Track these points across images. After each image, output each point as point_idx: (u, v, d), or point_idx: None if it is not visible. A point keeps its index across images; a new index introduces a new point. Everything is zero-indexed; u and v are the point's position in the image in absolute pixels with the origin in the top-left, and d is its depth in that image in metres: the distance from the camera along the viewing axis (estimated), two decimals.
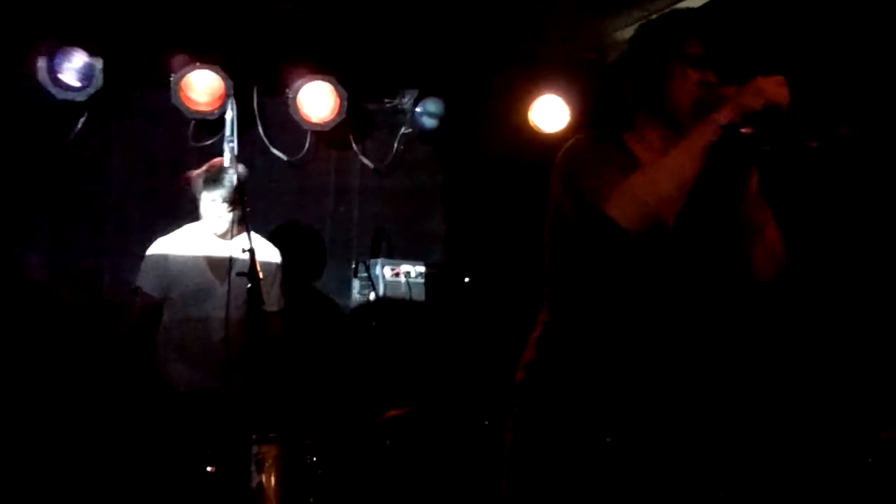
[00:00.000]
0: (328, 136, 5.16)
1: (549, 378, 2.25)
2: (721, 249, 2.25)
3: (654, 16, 4.56)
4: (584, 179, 2.15)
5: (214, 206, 4.25)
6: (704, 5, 4.46)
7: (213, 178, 4.24)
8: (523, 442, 2.25)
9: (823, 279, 3.35)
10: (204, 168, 4.33)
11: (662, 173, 2.07)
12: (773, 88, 2.03)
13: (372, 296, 5.00)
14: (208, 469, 3.70)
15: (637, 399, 2.20)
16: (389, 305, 4.96)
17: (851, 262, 3.44)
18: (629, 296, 2.21)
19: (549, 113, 5.30)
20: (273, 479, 3.78)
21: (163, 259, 4.29)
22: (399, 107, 5.32)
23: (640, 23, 4.83)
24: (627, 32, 5.11)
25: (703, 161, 2.05)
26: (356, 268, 5.08)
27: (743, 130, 2.07)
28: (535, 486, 2.21)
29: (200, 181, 4.30)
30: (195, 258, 4.30)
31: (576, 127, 5.20)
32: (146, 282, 4.28)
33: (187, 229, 4.40)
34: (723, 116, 2.04)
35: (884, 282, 3.35)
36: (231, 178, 4.06)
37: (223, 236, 4.31)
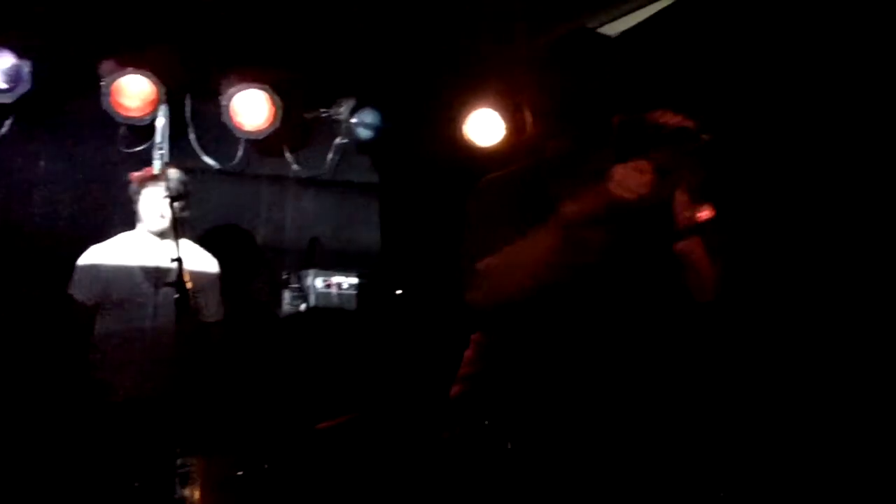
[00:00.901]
0: (262, 144, 5.13)
1: (482, 393, 2.27)
2: (653, 271, 2.28)
3: None
4: (464, 249, 2.25)
5: (154, 202, 4.18)
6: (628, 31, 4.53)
7: (157, 175, 4.16)
8: (457, 454, 2.26)
9: (755, 297, 3.41)
10: (146, 169, 4.22)
11: (513, 267, 2.15)
12: (632, 179, 2.02)
13: (303, 307, 4.97)
14: (131, 481, 3.65)
15: (566, 413, 2.22)
16: (321, 316, 4.92)
17: (784, 278, 3.52)
18: (557, 316, 2.24)
19: (485, 126, 5.32)
20: (199, 492, 3.74)
21: (94, 268, 4.19)
22: (335, 116, 5.30)
23: None
24: None
25: (554, 255, 2.11)
26: (288, 278, 5.04)
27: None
28: (468, 499, 2.21)
29: (141, 180, 4.24)
30: (129, 267, 4.22)
31: (511, 141, 5.23)
32: (78, 290, 4.18)
33: (122, 238, 4.32)
34: (569, 211, 2.09)
35: (815, 291, 3.42)
36: (173, 176, 4.03)
37: (162, 236, 4.22)
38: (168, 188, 4.10)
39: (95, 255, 4.24)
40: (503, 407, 2.23)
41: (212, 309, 4.34)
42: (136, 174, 4.29)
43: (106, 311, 4.18)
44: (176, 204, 3.84)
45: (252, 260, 5.27)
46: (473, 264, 2.17)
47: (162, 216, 4.19)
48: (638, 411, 2.26)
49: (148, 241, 4.26)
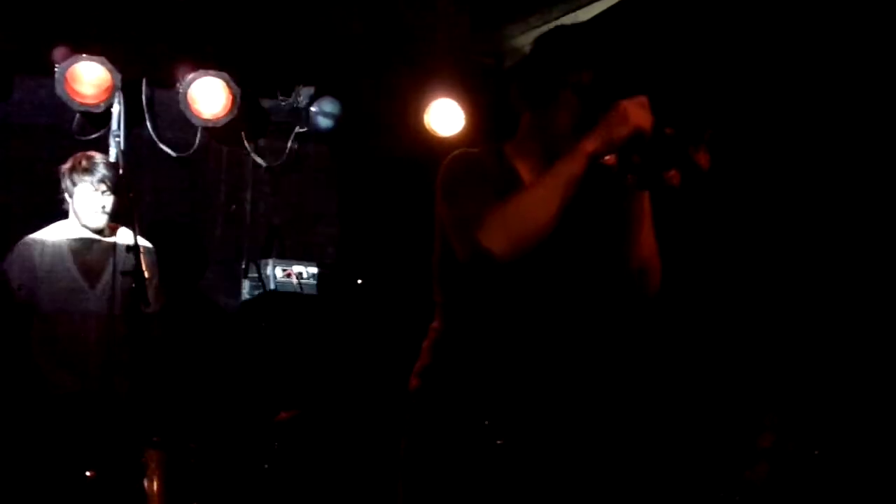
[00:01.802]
0: (220, 132, 5.07)
1: (441, 384, 2.26)
2: (601, 263, 2.29)
3: (551, 24, 4.68)
4: (458, 206, 2.18)
5: (88, 196, 4.05)
6: (593, 18, 4.55)
7: (85, 168, 4.04)
8: (417, 447, 2.25)
9: (704, 291, 3.45)
10: (72, 159, 4.12)
11: (531, 204, 2.10)
12: (637, 112, 2.06)
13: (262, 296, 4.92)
14: (87, 474, 3.60)
15: (524, 403, 2.23)
16: (280, 306, 4.89)
17: (732, 275, 3.56)
18: (513, 305, 2.24)
19: (445, 117, 5.32)
20: (155, 484, 3.71)
21: (29, 256, 4.05)
22: (294, 105, 5.25)
23: (535, 30, 4.92)
24: (524, 39, 5.20)
25: (574, 188, 2.09)
26: (246, 268, 5.00)
27: (606, 159, 2.10)
28: (428, 491, 2.21)
29: (69, 172, 4.08)
30: (63, 257, 4.07)
31: (471, 131, 5.23)
32: (11, 270, 4.05)
33: (58, 226, 4.16)
34: (590, 145, 2.08)
35: (764, 291, 3.47)
36: (109, 167, 3.92)
37: (98, 231, 4.11)
38: (93, 185, 4.01)
39: (32, 243, 4.08)
40: (461, 400, 2.22)
41: (151, 296, 4.23)
42: (64, 165, 4.12)
43: (43, 300, 4.03)
44: (113, 196, 3.75)
45: (210, 249, 5.21)
46: (475, 218, 2.09)
47: (95, 210, 4.06)
48: (599, 400, 2.27)
49: (85, 232, 4.14)
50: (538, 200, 2.10)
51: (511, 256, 2.08)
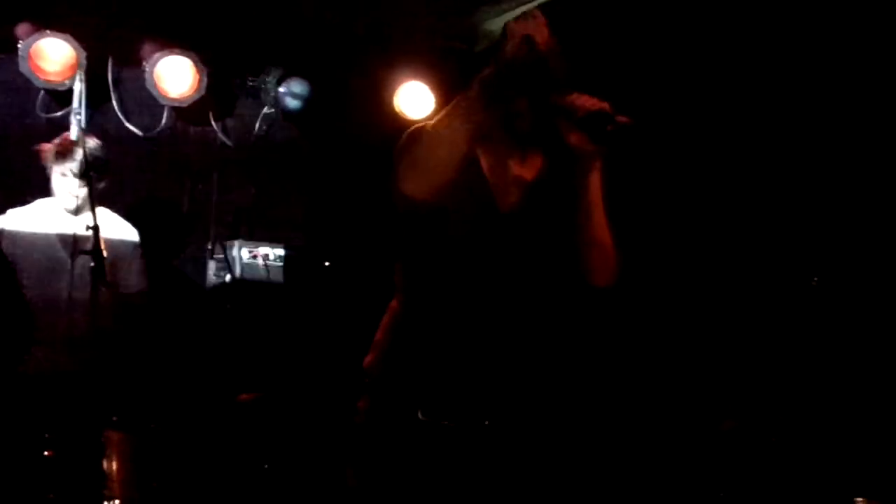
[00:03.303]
0: (187, 112, 5.03)
1: (394, 365, 2.27)
2: (555, 251, 2.30)
3: (523, 7, 4.67)
4: (413, 179, 2.18)
5: (65, 180, 4.08)
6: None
7: (64, 152, 4.07)
8: (371, 426, 2.26)
9: (663, 279, 3.47)
10: (56, 141, 4.15)
11: (435, 139, 2.13)
12: (524, 24, 2.08)
13: (228, 278, 4.90)
14: (46, 453, 3.58)
15: (476, 385, 2.23)
16: (246, 288, 4.87)
17: (689, 264, 3.59)
18: (468, 287, 2.24)
19: (415, 100, 5.30)
20: (115, 465, 3.69)
21: (10, 233, 4.09)
22: (262, 86, 5.22)
23: (507, 14, 4.92)
24: (496, 23, 5.19)
25: (473, 119, 2.09)
26: (213, 249, 4.97)
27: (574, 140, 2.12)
28: (378, 472, 2.22)
29: (51, 155, 4.12)
30: (45, 235, 4.11)
31: (453, 113, 5.21)
32: None
33: (38, 204, 4.21)
34: (484, 71, 2.08)
35: (723, 280, 3.50)
36: (82, 153, 3.90)
37: (74, 213, 4.13)
38: (73, 170, 4.01)
39: (11, 220, 4.14)
40: (415, 378, 2.23)
41: (132, 279, 4.25)
42: (42, 146, 4.16)
43: (21, 279, 4.07)
44: (87, 178, 3.74)
45: (176, 230, 5.18)
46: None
47: (74, 195, 4.09)
48: (553, 383, 2.28)
49: (64, 211, 4.17)
50: (442, 136, 2.11)
51: (424, 194, 2.11)
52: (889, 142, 3.33)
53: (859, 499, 2.91)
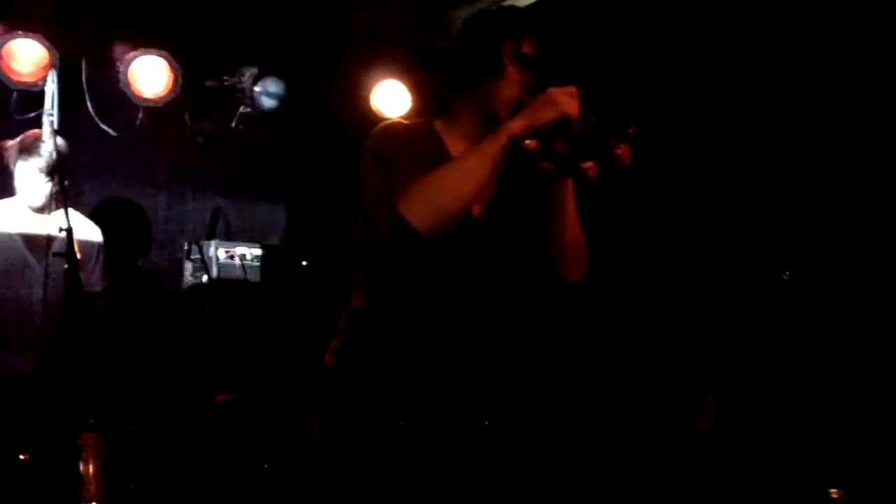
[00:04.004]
0: (162, 112, 4.99)
1: (354, 363, 2.26)
2: (526, 247, 2.30)
3: (500, 4, 4.67)
4: (384, 176, 2.16)
5: (30, 177, 4.04)
6: (538, 2, 4.54)
7: (28, 148, 4.04)
8: (330, 426, 2.25)
9: (636, 275, 3.49)
10: (19, 138, 4.12)
11: (452, 178, 2.09)
12: (565, 99, 2.05)
13: (205, 278, 4.88)
14: (22, 457, 3.55)
15: (435, 385, 2.23)
16: (223, 288, 4.85)
17: (664, 261, 3.60)
18: (431, 283, 2.24)
19: (392, 98, 5.30)
20: (92, 467, 3.67)
21: None
22: (238, 85, 5.19)
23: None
24: None
25: (495, 166, 2.07)
26: (189, 249, 4.94)
27: (528, 142, 2.09)
28: (341, 470, 2.21)
29: (14, 151, 4.08)
30: (10, 235, 4.07)
31: (418, 113, 5.21)
32: None
33: (2, 204, 4.17)
34: (514, 124, 2.07)
35: (696, 274, 3.52)
36: (48, 148, 3.87)
37: (40, 210, 4.08)
38: (38, 166, 3.99)
39: None
40: (374, 380, 2.22)
41: (95, 278, 4.23)
42: (4, 143, 4.14)
43: None
44: (55, 177, 3.71)
45: (152, 230, 5.15)
46: (398, 189, 2.09)
47: (35, 189, 4.05)
48: (516, 381, 2.28)
49: (30, 211, 4.13)
50: (459, 175, 2.08)
51: (430, 229, 2.07)
52: (859, 138, 3.36)
53: (834, 490, 2.94)
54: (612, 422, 3.46)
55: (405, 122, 2.38)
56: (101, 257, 4.27)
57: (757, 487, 3.12)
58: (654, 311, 3.60)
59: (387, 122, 2.34)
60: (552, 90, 2.07)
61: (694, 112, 3.60)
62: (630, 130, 2.02)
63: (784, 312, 3.22)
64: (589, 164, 2.05)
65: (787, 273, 3.13)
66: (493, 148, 2.07)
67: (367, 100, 5.27)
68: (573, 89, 2.07)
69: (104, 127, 4.96)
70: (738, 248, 3.46)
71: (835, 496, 2.96)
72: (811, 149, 3.44)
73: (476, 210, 2.11)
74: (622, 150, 2.02)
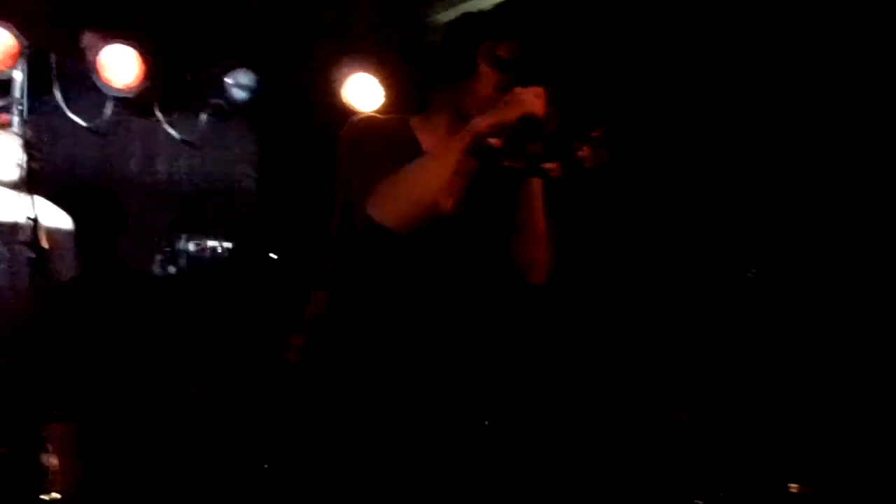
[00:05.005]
0: (132, 102, 4.96)
1: (321, 360, 2.26)
2: (491, 247, 2.31)
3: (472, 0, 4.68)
4: (357, 172, 2.17)
5: (9, 150, 3.97)
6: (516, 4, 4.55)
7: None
8: (302, 425, 2.25)
9: (601, 273, 3.52)
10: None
11: (417, 176, 2.10)
12: (531, 99, 2.06)
13: (174, 270, 4.86)
14: None
15: (401, 385, 2.23)
16: (192, 281, 4.83)
17: (628, 257, 3.63)
18: (398, 284, 2.25)
19: (364, 92, 5.28)
20: (58, 460, 3.65)
21: None
22: (209, 76, 5.16)
23: (458, 6, 4.92)
24: (446, 16, 5.19)
25: (461, 165, 2.08)
26: (159, 241, 4.92)
27: (492, 141, 2.10)
28: (314, 469, 2.22)
29: None
30: None
31: (391, 107, 5.20)
32: None
33: None
34: (479, 123, 2.08)
35: (661, 272, 3.55)
36: (15, 137, 3.86)
37: (15, 187, 4.02)
38: (23, 136, 3.95)
39: None
40: (340, 377, 2.23)
41: (65, 267, 4.19)
42: None
43: None
44: (31, 154, 3.69)
45: (121, 222, 5.11)
46: (369, 188, 2.10)
47: (17, 165, 4.02)
48: (478, 383, 2.29)
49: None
50: (424, 174, 2.10)
51: (402, 228, 2.08)
52: (822, 135, 3.40)
53: (793, 485, 2.97)
54: (580, 420, 3.49)
55: (378, 117, 2.39)
56: (71, 245, 4.25)
57: (720, 482, 3.16)
58: (621, 310, 3.63)
59: (362, 116, 2.35)
60: (518, 89, 2.08)
61: (659, 113, 3.63)
62: (594, 133, 2.04)
63: (749, 309, 3.26)
64: (552, 165, 2.06)
65: (753, 271, 3.17)
66: (457, 146, 2.08)
67: (338, 93, 5.25)
68: (539, 89, 2.09)
69: (73, 116, 4.93)
70: (703, 246, 3.50)
71: (794, 491, 3.01)
72: (774, 147, 3.48)
73: (446, 206, 2.12)
74: (584, 153, 2.03)
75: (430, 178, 2.08)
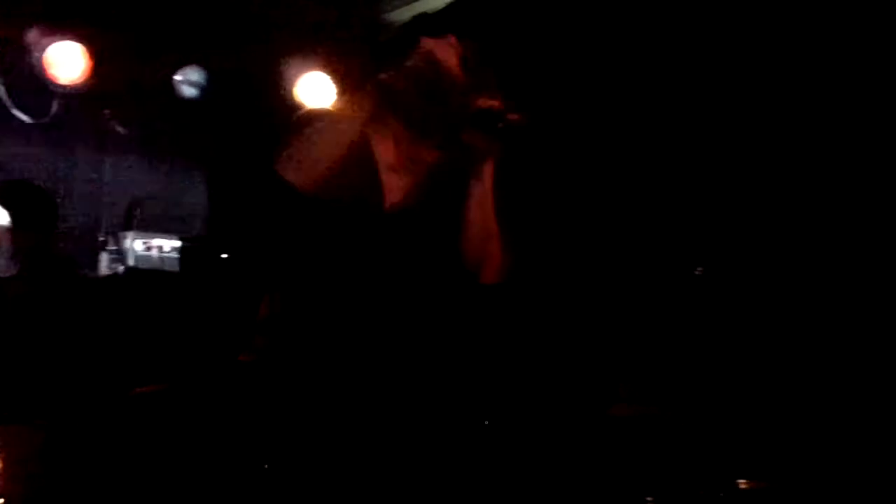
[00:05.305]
0: (79, 99, 4.89)
1: (270, 360, 2.25)
2: (442, 248, 2.31)
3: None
4: (304, 164, 2.17)
5: None
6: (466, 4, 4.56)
7: None
8: (253, 419, 2.24)
9: (550, 273, 3.53)
10: None
11: (324, 133, 2.13)
12: (443, 47, 2.07)
13: (121, 269, 4.79)
14: None
15: (348, 385, 2.23)
16: (140, 280, 4.76)
17: (576, 256, 3.66)
18: (346, 281, 2.24)
19: (316, 90, 5.26)
20: (2, 463, 3.58)
21: None
22: (158, 73, 5.10)
23: (412, 5, 4.91)
24: (399, 14, 5.18)
25: (363, 119, 2.11)
26: (105, 240, 4.85)
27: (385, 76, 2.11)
28: (267, 465, 2.20)
29: None
30: None
31: (343, 105, 5.18)
32: None
33: None
34: (385, 75, 2.09)
35: (609, 271, 3.57)
36: None
37: None
38: None
39: None
40: (289, 377, 2.22)
41: (2, 263, 4.12)
42: None
43: None
44: None
45: (67, 220, 5.03)
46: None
47: None
48: (428, 383, 2.28)
49: None
50: (330, 130, 2.12)
51: (301, 184, 2.10)
52: (768, 132, 3.44)
53: (742, 481, 3.00)
54: (522, 414, 3.50)
55: (330, 111, 2.39)
56: (7, 240, 4.16)
57: (667, 478, 3.19)
58: (568, 306, 3.65)
59: (305, 110, 2.34)
60: (426, 39, 2.09)
61: (608, 108, 3.65)
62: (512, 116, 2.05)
63: (696, 306, 3.29)
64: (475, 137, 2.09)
65: (700, 269, 3.20)
66: (361, 98, 2.13)
67: (291, 91, 5.22)
68: (451, 38, 2.10)
69: (17, 113, 4.84)
70: (651, 243, 3.53)
71: (744, 486, 3.03)
72: (721, 144, 3.52)
73: (394, 201, 2.11)
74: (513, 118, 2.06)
75: (335, 135, 2.10)
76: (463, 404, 2.39)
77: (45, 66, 4.68)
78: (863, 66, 3.34)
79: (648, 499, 3.15)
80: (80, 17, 4.76)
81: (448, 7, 2.70)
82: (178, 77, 5.05)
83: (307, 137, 2.12)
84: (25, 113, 4.87)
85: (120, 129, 5.13)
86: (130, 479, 4.00)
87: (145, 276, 4.81)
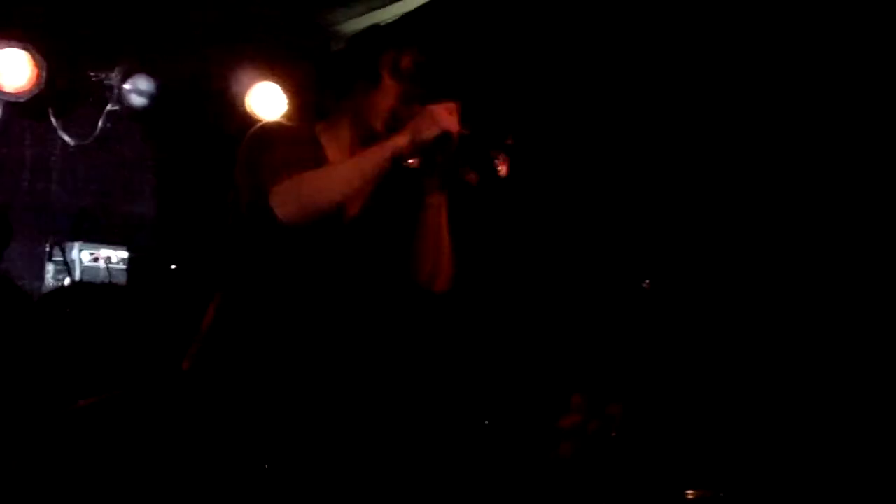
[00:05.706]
0: (25, 107, 4.80)
1: (213, 369, 2.23)
2: (391, 257, 2.33)
3: (376, 10, 4.68)
4: (260, 168, 2.17)
5: None
6: (422, 7, 4.57)
7: None
8: (188, 432, 2.21)
9: (499, 283, 3.55)
10: None
11: (331, 181, 2.15)
12: (445, 116, 2.13)
13: (67, 281, 4.71)
14: None
15: (293, 397, 2.22)
16: (86, 292, 4.68)
17: (530, 268, 3.68)
18: (295, 293, 2.24)
19: (268, 100, 5.23)
20: None
21: None
22: (106, 82, 5.03)
23: (363, 15, 4.91)
24: (351, 25, 5.18)
25: (374, 177, 2.15)
26: (51, 251, 4.76)
27: (411, 161, 2.20)
28: (197, 479, 2.18)
29: None
30: None
31: (295, 115, 5.16)
32: None
33: None
34: (398, 141, 2.14)
35: (557, 283, 3.59)
36: None
37: None
38: None
39: None
40: (230, 387, 2.19)
41: None
42: None
43: None
44: None
45: (10, 230, 4.93)
46: (273, 179, 2.11)
47: None
48: (376, 394, 2.29)
49: None
50: (338, 179, 2.14)
51: (293, 221, 2.10)
52: (717, 146, 3.49)
53: (690, 491, 3.03)
54: (473, 424, 3.50)
55: (285, 122, 2.41)
56: None
57: (617, 488, 3.20)
58: (520, 316, 3.66)
59: (265, 122, 2.36)
60: (431, 107, 2.13)
61: (561, 122, 3.68)
62: (508, 141, 2.10)
63: (644, 319, 3.32)
64: (470, 175, 2.16)
65: (647, 282, 3.23)
66: (373, 160, 2.14)
67: (242, 101, 5.19)
68: (452, 105, 2.15)
69: None
70: (600, 257, 3.56)
71: (691, 496, 3.06)
72: (671, 157, 3.56)
73: (350, 211, 2.12)
74: (501, 162, 2.12)
75: (341, 186, 2.13)
76: (411, 408, 2.40)
77: None
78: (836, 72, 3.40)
79: None
80: (26, 25, 4.68)
81: (400, 19, 2.73)
82: (126, 86, 4.99)
83: (309, 179, 2.14)
84: None
85: (66, 137, 5.05)
86: (74, 492, 3.94)
87: (92, 287, 4.73)
